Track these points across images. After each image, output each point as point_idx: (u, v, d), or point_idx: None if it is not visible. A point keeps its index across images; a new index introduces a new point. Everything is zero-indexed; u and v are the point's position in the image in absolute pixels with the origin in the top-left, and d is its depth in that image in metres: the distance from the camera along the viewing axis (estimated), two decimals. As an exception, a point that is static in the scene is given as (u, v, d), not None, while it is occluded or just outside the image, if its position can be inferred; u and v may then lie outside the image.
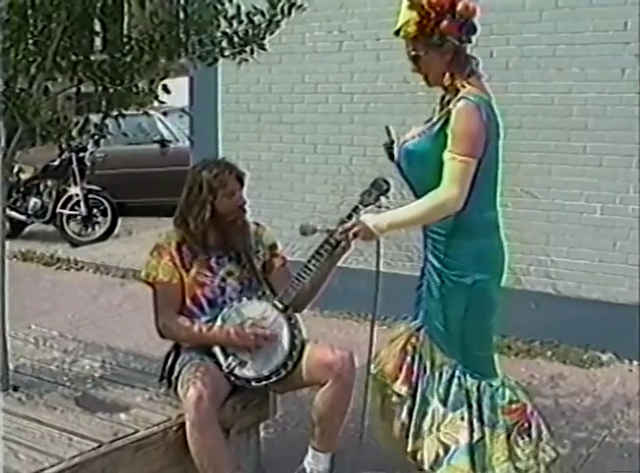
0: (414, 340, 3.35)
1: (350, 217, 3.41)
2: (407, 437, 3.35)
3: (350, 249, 3.51)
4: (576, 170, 5.52)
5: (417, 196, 3.21)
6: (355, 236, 3.26)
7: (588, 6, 5.35)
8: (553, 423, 4.02)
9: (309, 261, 3.53)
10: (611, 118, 5.35)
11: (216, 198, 3.56)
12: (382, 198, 3.43)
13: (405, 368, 3.35)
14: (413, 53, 3.13)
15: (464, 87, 3.06)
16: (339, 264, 3.66)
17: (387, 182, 3.44)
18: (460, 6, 3.05)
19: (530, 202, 5.59)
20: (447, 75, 3.09)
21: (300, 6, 3.56)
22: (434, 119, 3.16)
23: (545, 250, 5.64)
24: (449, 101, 3.11)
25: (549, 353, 5.56)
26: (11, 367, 3.69)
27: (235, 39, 3.54)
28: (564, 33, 5.45)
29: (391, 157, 3.36)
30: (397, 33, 3.14)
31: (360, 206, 3.41)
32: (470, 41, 3.14)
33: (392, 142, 3.36)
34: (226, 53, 3.57)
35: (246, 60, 3.60)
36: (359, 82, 6.31)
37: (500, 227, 3.26)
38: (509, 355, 5.33)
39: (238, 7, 3.52)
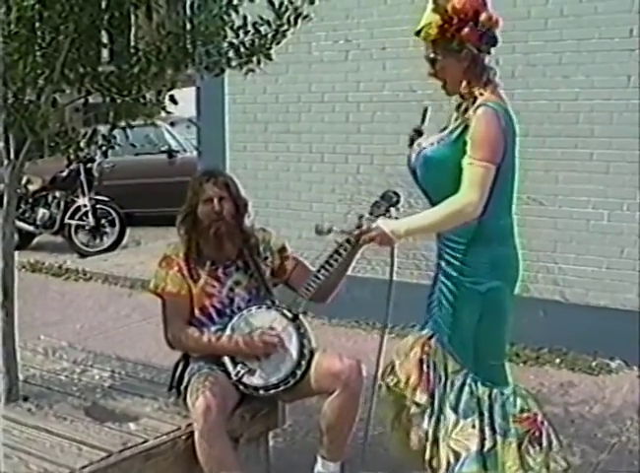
0: (427, 348, 3.34)
1: (358, 228, 3.41)
2: (425, 444, 3.34)
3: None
4: (583, 178, 5.53)
5: (433, 204, 3.21)
6: (372, 240, 3.23)
7: (593, 14, 5.36)
8: (563, 431, 4.02)
9: (319, 271, 3.54)
10: (618, 125, 5.36)
11: (197, 206, 3.61)
12: (392, 210, 3.43)
13: (424, 377, 3.33)
14: (431, 56, 3.14)
15: (481, 95, 3.07)
16: (348, 273, 3.69)
17: (397, 194, 3.43)
18: (483, 16, 3.05)
19: (537, 210, 5.59)
20: (464, 82, 3.10)
21: (307, 16, 3.57)
22: (452, 127, 3.15)
23: (553, 258, 5.64)
24: (466, 109, 3.11)
25: (558, 360, 5.55)
26: (21, 377, 3.70)
27: (242, 50, 3.55)
28: (570, 41, 5.46)
29: (411, 141, 3.36)
30: (418, 33, 3.15)
31: (371, 217, 3.41)
32: (489, 52, 3.14)
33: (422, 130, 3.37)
34: (233, 64, 3.58)
35: (253, 70, 3.61)
36: (366, 91, 6.32)
37: (515, 234, 3.26)
38: (517, 363, 5.32)
39: (245, 17, 3.54)
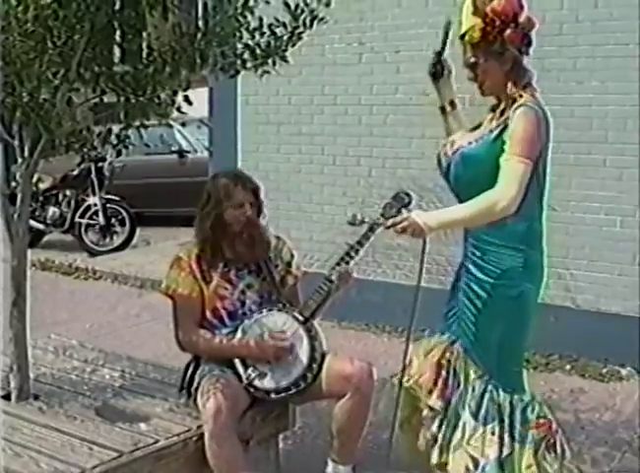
0: (448, 354, 3.33)
1: (372, 230, 3.41)
2: (432, 448, 3.33)
3: (346, 285, 3.57)
4: (596, 184, 5.51)
5: (462, 202, 3.20)
6: (404, 230, 3.20)
7: (608, 19, 5.34)
8: (573, 438, 4.00)
9: (330, 274, 3.54)
10: (632, 132, 5.34)
11: (222, 209, 3.58)
12: (403, 211, 3.43)
13: (440, 382, 3.32)
14: (472, 60, 3.14)
15: (521, 96, 3.08)
16: (358, 276, 3.69)
17: (408, 195, 3.43)
18: (523, 17, 3.08)
19: (549, 215, 5.55)
20: (509, 84, 3.11)
21: (322, 18, 3.56)
22: (490, 126, 3.15)
23: (565, 264, 5.61)
24: (504, 110, 3.12)
25: (568, 367, 5.54)
26: (31, 375, 3.70)
27: (258, 52, 3.55)
28: (585, 46, 5.45)
29: (434, 73, 3.39)
30: (462, 37, 3.16)
31: (382, 219, 3.41)
32: (527, 53, 3.16)
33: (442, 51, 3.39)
34: (248, 65, 3.58)
35: (268, 72, 3.61)
36: (379, 94, 6.32)
37: (544, 239, 3.25)
38: (527, 368, 5.26)
39: (260, 19, 3.53)
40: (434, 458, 3.32)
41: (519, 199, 3.03)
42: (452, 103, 3.45)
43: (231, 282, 3.64)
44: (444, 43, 3.36)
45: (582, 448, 4.21)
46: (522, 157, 3.01)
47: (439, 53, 3.39)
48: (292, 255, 3.82)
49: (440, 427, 3.31)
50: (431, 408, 3.33)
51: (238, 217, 3.59)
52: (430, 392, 3.33)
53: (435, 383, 3.33)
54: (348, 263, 3.52)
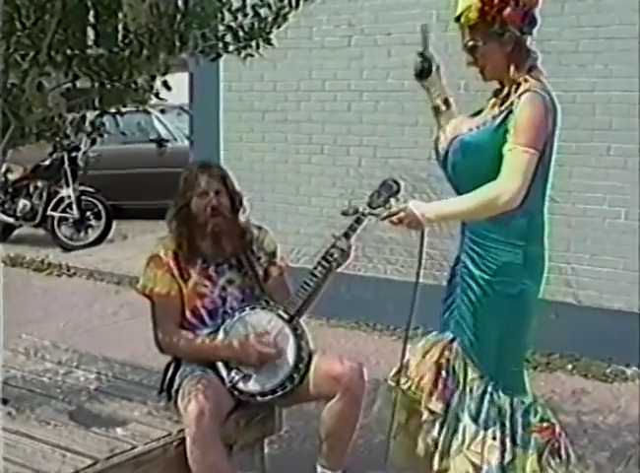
0: (447, 353, 3.32)
1: (358, 221, 3.41)
2: (433, 454, 3.32)
3: (348, 260, 3.54)
4: (599, 173, 5.52)
5: (460, 193, 3.17)
6: (400, 222, 3.16)
7: (613, -2, 5.36)
8: (576, 441, 4.00)
9: (315, 268, 3.54)
10: (637, 118, 5.34)
11: (189, 200, 3.59)
12: (392, 200, 3.41)
13: (440, 383, 3.30)
14: (471, 43, 3.10)
15: (526, 81, 3.04)
16: (348, 271, 3.67)
17: (397, 183, 3.42)
18: None
19: (549, 206, 5.55)
20: (512, 68, 3.06)
21: (309, -2, 3.55)
22: (493, 113, 3.11)
23: (566, 258, 5.63)
24: (508, 95, 3.08)
25: (570, 366, 5.56)
26: (0, 379, 3.68)
27: (240, 34, 3.53)
28: (587, 28, 5.45)
29: (420, 72, 3.33)
30: (457, 18, 3.11)
31: (369, 208, 3.40)
32: (530, 33, 3.11)
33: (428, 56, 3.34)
34: (231, 48, 3.56)
35: (252, 55, 3.59)
36: (369, 79, 6.32)
37: (545, 233, 3.24)
38: (527, 368, 5.26)
39: (244, -1, 3.53)
40: (435, 464, 3.31)
41: (523, 192, 3.00)
42: (446, 102, 3.38)
43: (211, 278, 3.62)
44: (425, 46, 3.32)
45: (585, 453, 4.22)
46: (527, 146, 2.97)
47: (422, 54, 3.33)
48: (276, 245, 3.81)
49: (441, 431, 3.30)
50: (432, 411, 3.31)
51: (203, 207, 3.58)
52: (431, 395, 3.31)
53: (435, 385, 3.31)
54: (332, 259, 3.51)
